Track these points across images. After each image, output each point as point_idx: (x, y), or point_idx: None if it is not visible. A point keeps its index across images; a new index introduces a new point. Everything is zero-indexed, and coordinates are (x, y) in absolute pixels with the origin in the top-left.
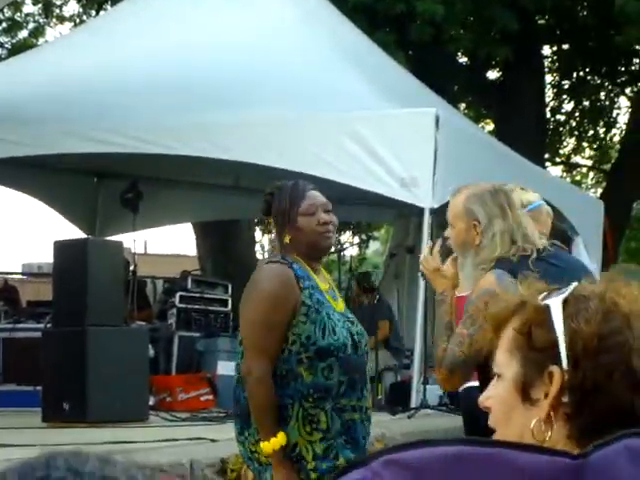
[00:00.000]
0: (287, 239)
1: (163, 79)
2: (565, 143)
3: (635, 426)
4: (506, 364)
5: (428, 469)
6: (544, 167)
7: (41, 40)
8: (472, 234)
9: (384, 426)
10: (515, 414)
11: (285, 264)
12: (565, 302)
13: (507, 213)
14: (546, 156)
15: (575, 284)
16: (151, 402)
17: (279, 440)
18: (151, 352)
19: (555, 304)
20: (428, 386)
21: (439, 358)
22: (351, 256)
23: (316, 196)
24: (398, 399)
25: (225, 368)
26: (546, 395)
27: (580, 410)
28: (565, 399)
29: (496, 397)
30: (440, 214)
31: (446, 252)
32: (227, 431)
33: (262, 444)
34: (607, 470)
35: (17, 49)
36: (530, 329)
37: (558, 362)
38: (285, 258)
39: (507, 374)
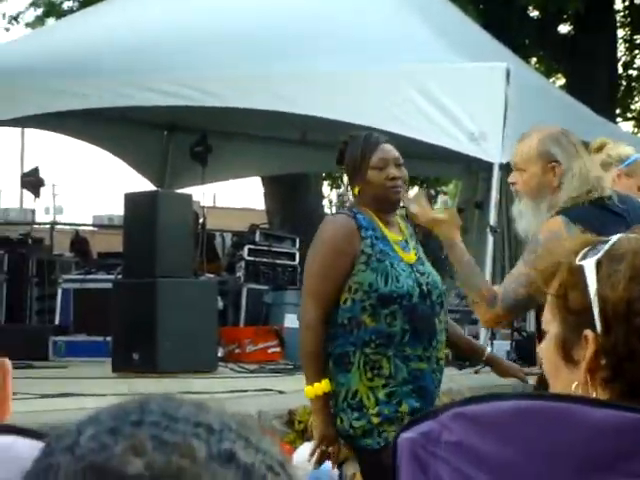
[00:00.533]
0: (356, 190)
1: (229, 32)
2: (637, 99)
3: None
4: (549, 322)
5: (498, 423)
6: (615, 122)
7: None
8: (549, 177)
9: (451, 380)
10: (560, 372)
11: (349, 215)
12: (599, 263)
13: (581, 154)
14: (617, 111)
15: (613, 240)
16: (220, 353)
17: (322, 386)
18: (220, 304)
19: (589, 265)
20: (495, 341)
21: (485, 297)
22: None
23: (388, 149)
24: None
25: (292, 321)
26: (585, 358)
27: (617, 374)
28: (602, 362)
29: (544, 353)
30: (508, 169)
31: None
32: (295, 383)
33: (305, 388)
34: None
35: (88, 1)
36: (566, 291)
37: (593, 326)
38: (352, 209)
39: (551, 332)
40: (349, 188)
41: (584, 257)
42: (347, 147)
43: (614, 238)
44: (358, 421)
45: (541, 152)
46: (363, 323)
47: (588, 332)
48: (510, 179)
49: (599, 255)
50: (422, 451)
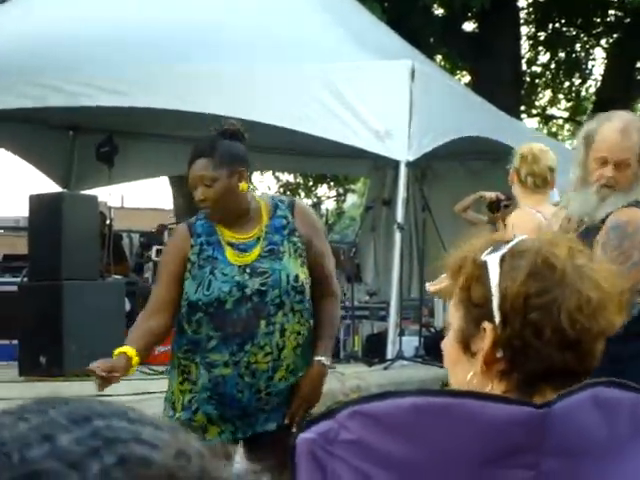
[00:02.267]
0: None
1: (136, 32)
2: (541, 95)
3: (570, 382)
4: (453, 315)
5: (394, 420)
6: (520, 119)
7: None
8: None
9: (360, 377)
10: (460, 364)
11: (190, 222)
12: (503, 258)
13: None
14: (522, 108)
15: (519, 238)
16: None
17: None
18: (127, 305)
19: (492, 260)
20: (404, 337)
21: None
22: (327, 209)
23: (197, 168)
24: (374, 351)
25: None
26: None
27: (512, 367)
28: (499, 355)
29: (446, 345)
30: (416, 166)
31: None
32: None
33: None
34: (571, 418)
35: None
36: (470, 284)
37: (492, 318)
38: (198, 215)
39: (454, 324)
40: None
41: (490, 253)
42: None
43: (520, 237)
44: (170, 420)
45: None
46: (182, 329)
47: (486, 324)
48: (607, 173)
49: (503, 251)
50: (320, 451)
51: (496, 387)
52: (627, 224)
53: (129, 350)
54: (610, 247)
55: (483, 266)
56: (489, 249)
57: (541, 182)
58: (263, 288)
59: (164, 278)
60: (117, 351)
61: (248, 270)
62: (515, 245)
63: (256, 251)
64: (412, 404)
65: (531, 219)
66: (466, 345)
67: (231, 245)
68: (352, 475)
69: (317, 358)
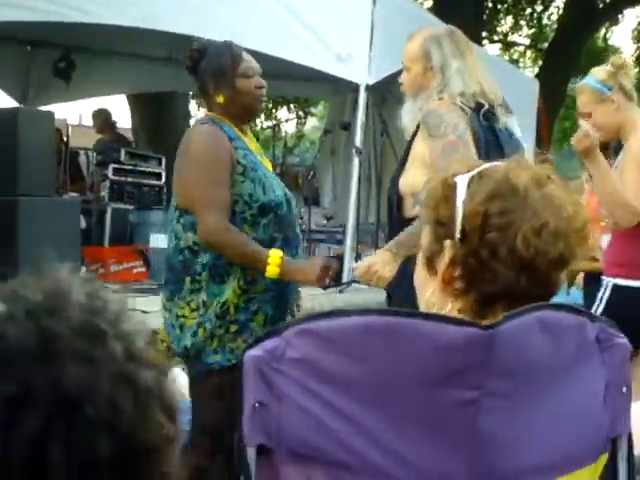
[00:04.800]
0: (221, 99)
1: None
2: (503, 21)
3: (523, 304)
4: (423, 236)
5: (340, 338)
6: (481, 45)
7: None
8: (428, 76)
9: (314, 300)
10: (425, 284)
11: (215, 126)
12: (471, 180)
13: (466, 56)
14: (484, 34)
15: (491, 164)
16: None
17: (274, 258)
18: (83, 224)
19: (461, 181)
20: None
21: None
22: (285, 132)
23: (251, 59)
24: None
25: (158, 241)
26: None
27: (469, 286)
28: (457, 273)
29: (416, 266)
30: (376, 90)
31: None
32: (159, 303)
33: (267, 273)
34: (517, 339)
35: None
36: (438, 204)
37: (454, 237)
38: (213, 120)
39: (422, 245)
40: (210, 99)
41: (462, 175)
42: (204, 55)
43: (488, 164)
44: (219, 329)
45: (422, 52)
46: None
47: (447, 241)
48: (399, 79)
49: (473, 173)
50: (267, 368)
51: (453, 306)
52: (436, 108)
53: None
54: (433, 128)
55: (452, 186)
56: (464, 172)
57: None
58: (290, 197)
59: (224, 178)
60: (276, 262)
61: (277, 177)
62: (484, 168)
63: (268, 162)
64: (358, 323)
65: None
66: (431, 264)
67: (258, 153)
68: (298, 391)
69: None
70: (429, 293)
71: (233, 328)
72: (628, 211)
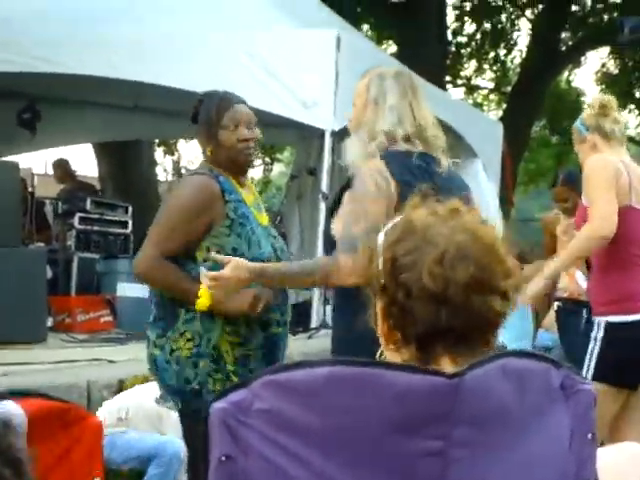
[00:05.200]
0: (208, 151)
1: None
2: (466, 65)
3: (462, 342)
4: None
5: (307, 390)
6: (445, 89)
7: None
8: (367, 110)
9: None
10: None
11: (211, 176)
12: (386, 232)
13: (406, 95)
14: (447, 78)
15: (404, 212)
16: (49, 323)
17: (203, 298)
18: (50, 273)
19: (380, 236)
20: (328, 306)
21: (327, 262)
22: (252, 178)
23: (241, 109)
24: (299, 319)
25: (125, 289)
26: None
27: (403, 335)
28: (389, 325)
29: None
30: (341, 135)
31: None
32: (126, 352)
33: (198, 305)
34: (482, 387)
35: None
36: (371, 264)
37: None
38: (211, 171)
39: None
40: (202, 148)
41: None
42: (202, 105)
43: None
44: (216, 373)
45: (365, 87)
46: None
47: (374, 296)
48: (345, 115)
49: (388, 226)
50: (232, 420)
51: (399, 359)
52: (364, 168)
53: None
54: (352, 190)
55: (375, 245)
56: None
57: (623, 133)
58: (281, 253)
59: (187, 227)
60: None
61: (269, 232)
62: (402, 217)
63: (265, 214)
64: (324, 373)
65: (606, 165)
66: (376, 325)
67: (252, 206)
68: (264, 444)
69: None
70: (377, 355)
71: (234, 378)
72: (596, 236)
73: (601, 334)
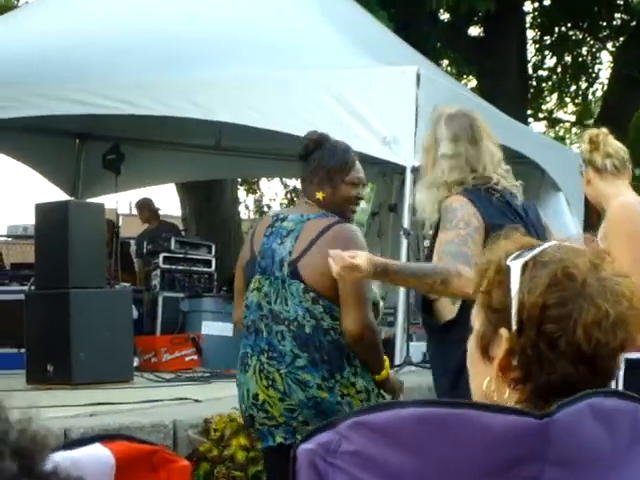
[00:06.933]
0: (320, 195)
1: (142, 39)
2: (548, 99)
3: (573, 388)
4: (475, 318)
5: (395, 431)
6: (527, 123)
7: (22, 1)
8: (425, 158)
9: None
10: (479, 367)
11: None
12: (525, 265)
13: (459, 138)
14: (529, 112)
15: (544, 246)
16: (135, 363)
17: (387, 363)
18: (135, 313)
19: (515, 267)
20: (412, 343)
21: (445, 269)
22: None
23: (361, 169)
24: None
25: (209, 328)
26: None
27: (526, 376)
28: (514, 363)
29: (469, 348)
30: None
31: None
32: (211, 391)
33: (378, 376)
34: (571, 427)
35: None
36: (491, 289)
37: (509, 325)
38: (326, 215)
39: (475, 327)
40: (310, 189)
41: (515, 259)
42: (319, 148)
43: (545, 244)
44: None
45: (424, 138)
46: None
47: (503, 330)
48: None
49: (526, 258)
50: (320, 461)
51: (510, 395)
52: (451, 203)
53: None
54: (447, 222)
55: (506, 271)
56: (516, 254)
57: (620, 164)
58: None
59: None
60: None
61: None
62: (539, 253)
63: None
64: (413, 415)
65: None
66: (485, 350)
67: None
68: None
69: None
70: (486, 381)
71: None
72: None
73: (621, 373)
